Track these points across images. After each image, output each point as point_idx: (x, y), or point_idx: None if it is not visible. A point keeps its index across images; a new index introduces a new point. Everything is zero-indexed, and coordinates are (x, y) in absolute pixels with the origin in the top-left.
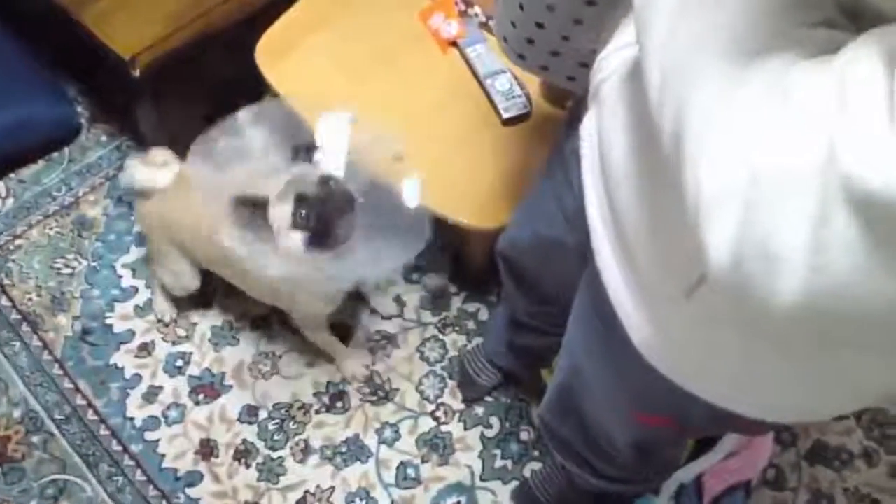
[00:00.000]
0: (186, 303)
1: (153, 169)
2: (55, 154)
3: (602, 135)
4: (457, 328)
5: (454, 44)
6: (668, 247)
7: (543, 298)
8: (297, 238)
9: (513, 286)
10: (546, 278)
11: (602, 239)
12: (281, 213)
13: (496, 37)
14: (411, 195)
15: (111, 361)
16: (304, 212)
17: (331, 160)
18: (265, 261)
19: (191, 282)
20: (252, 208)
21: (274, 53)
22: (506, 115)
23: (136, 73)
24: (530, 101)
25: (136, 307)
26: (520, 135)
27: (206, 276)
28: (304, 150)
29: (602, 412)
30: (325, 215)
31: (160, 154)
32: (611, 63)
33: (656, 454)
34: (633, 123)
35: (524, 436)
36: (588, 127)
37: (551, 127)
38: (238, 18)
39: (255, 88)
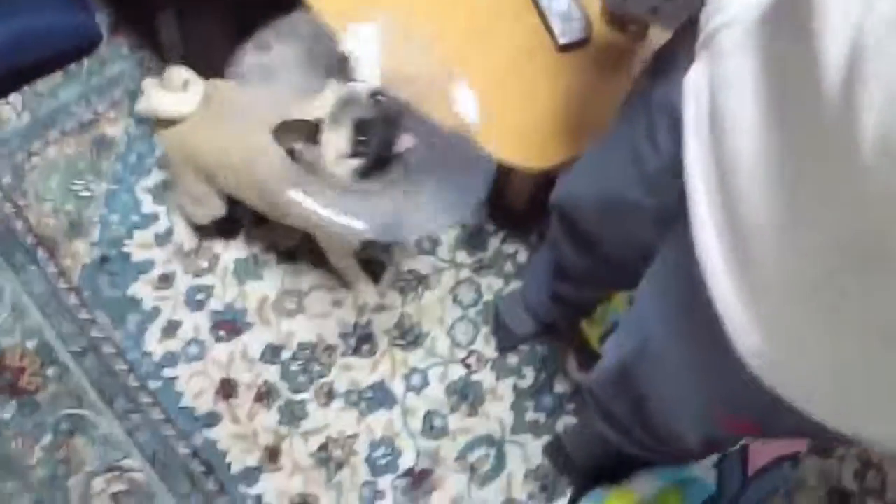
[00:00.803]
0: (209, 232)
1: (173, 92)
2: (73, 67)
3: (719, 91)
4: (493, 270)
5: None
6: (809, 215)
7: (602, 257)
8: (351, 165)
9: (568, 241)
10: (610, 239)
11: (704, 213)
12: (337, 139)
13: None
14: (468, 111)
15: (129, 292)
16: (363, 138)
17: (366, 74)
18: (315, 197)
19: (217, 209)
20: (300, 134)
21: None
22: (562, 41)
23: None
24: (590, 25)
25: (157, 235)
26: (577, 64)
27: (231, 203)
28: (339, 66)
29: (674, 403)
30: (387, 138)
31: (180, 73)
32: (730, 8)
33: (723, 447)
34: (771, 79)
35: (559, 388)
36: (695, 80)
37: (613, 56)
38: None
39: (286, 2)
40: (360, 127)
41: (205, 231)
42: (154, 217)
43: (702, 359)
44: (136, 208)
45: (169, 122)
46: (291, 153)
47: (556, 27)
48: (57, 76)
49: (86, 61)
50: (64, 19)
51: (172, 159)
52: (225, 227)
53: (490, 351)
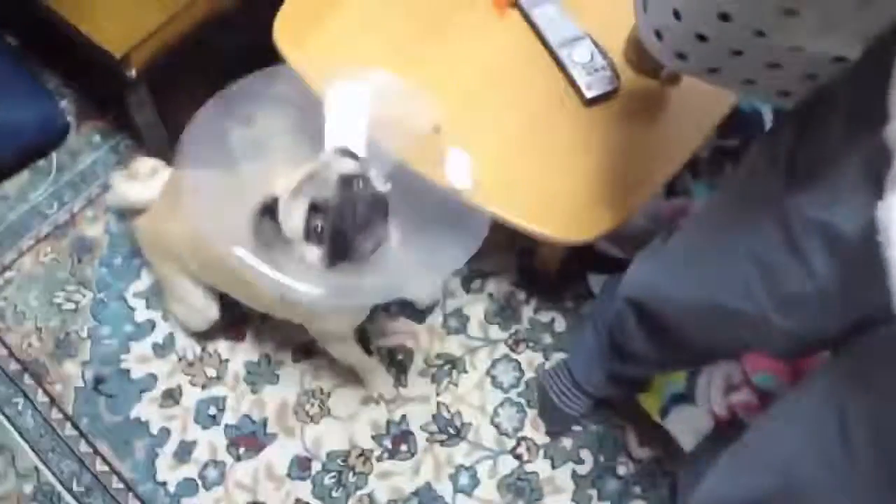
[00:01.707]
0: (214, 335)
1: (141, 181)
2: (41, 162)
3: None
4: (531, 343)
5: (515, 4)
6: None
7: (684, 348)
8: (314, 252)
9: (642, 333)
10: (704, 341)
11: None
12: (292, 222)
13: (640, 33)
14: (459, 175)
15: (133, 415)
16: (318, 224)
17: (346, 139)
18: (288, 283)
19: (208, 310)
20: (266, 215)
21: (295, 29)
22: (589, 94)
23: (133, 73)
24: (617, 73)
25: (155, 345)
26: (607, 118)
27: (234, 302)
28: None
29: None
30: (342, 228)
31: (145, 163)
32: None
33: None
34: None
35: (622, 470)
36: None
37: (645, 106)
38: None
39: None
40: (315, 210)
41: (209, 335)
42: (150, 325)
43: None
44: (129, 317)
45: (140, 211)
46: (258, 232)
47: (581, 80)
48: (23, 175)
49: (54, 155)
50: (24, 112)
51: (150, 255)
52: (229, 330)
53: (541, 436)
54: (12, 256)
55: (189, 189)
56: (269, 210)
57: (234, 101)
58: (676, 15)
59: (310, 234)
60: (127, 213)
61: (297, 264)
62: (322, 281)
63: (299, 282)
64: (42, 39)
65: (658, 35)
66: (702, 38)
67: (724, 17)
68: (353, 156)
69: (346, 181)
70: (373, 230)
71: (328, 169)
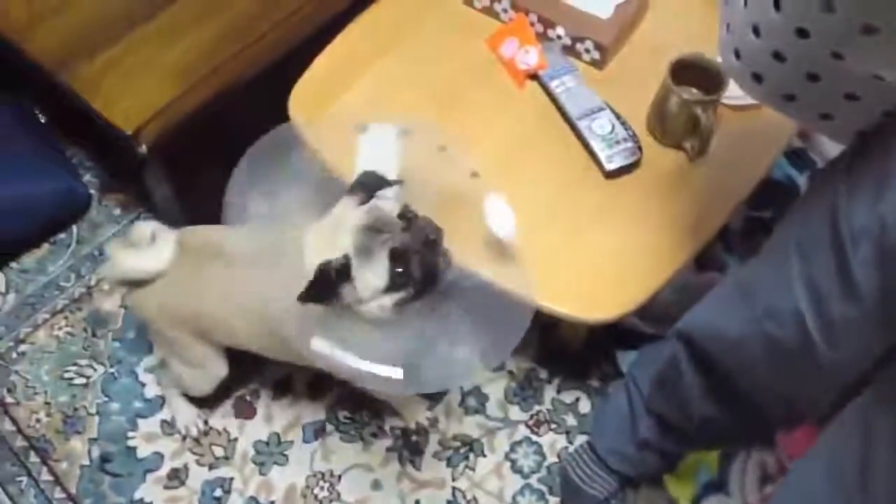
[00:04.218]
0: (222, 412)
1: (141, 250)
2: (61, 235)
3: None
4: (553, 425)
5: (534, 76)
6: None
7: (734, 398)
8: (391, 300)
9: (694, 373)
10: (753, 387)
11: None
12: (372, 275)
13: (720, 51)
14: (501, 222)
15: (137, 496)
16: (401, 269)
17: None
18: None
19: (220, 368)
20: (332, 277)
21: (311, 104)
22: (609, 167)
23: (143, 148)
24: (639, 144)
25: (163, 423)
26: (629, 191)
27: (240, 370)
28: (358, 185)
29: None
30: (429, 262)
31: (144, 228)
32: None
33: None
34: None
35: None
36: None
37: (670, 178)
38: (258, 68)
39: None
40: (397, 256)
41: (216, 410)
42: (160, 401)
43: None
44: (139, 393)
45: (142, 284)
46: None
47: (601, 152)
48: (44, 247)
49: (75, 228)
50: (49, 185)
51: (156, 325)
52: (240, 405)
53: None
54: (27, 329)
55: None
56: (340, 275)
57: (256, 173)
58: (755, 31)
59: (395, 282)
60: (126, 285)
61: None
62: (391, 358)
63: (378, 364)
64: (68, 115)
65: (737, 55)
66: (779, 56)
67: (802, 32)
68: (384, 183)
69: (406, 218)
70: (446, 254)
71: (382, 213)
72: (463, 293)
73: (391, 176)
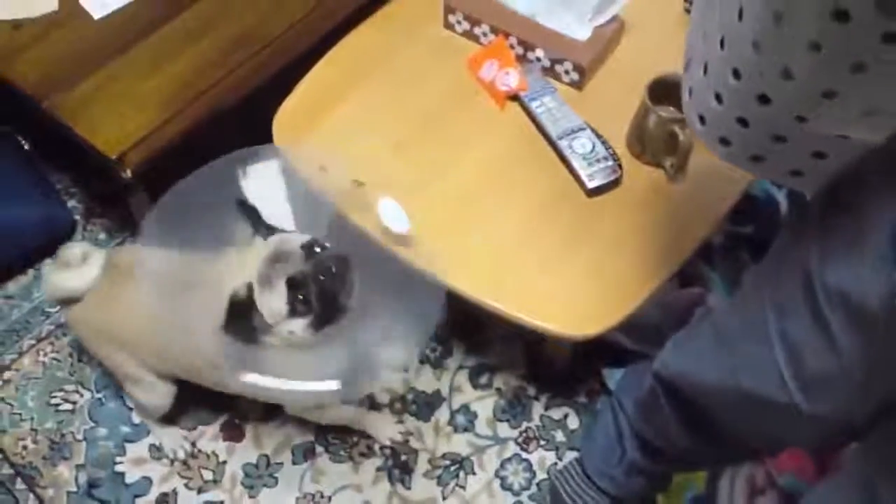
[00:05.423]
0: (211, 435)
1: (73, 269)
2: (46, 260)
3: None
4: (542, 442)
5: (514, 97)
6: None
7: (717, 440)
8: (296, 326)
9: (676, 418)
10: (735, 429)
11: None
12: (274, 304)
13: (685, 114)
14: (394, 219)
15: None
16: (301, 297)
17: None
18: (306, 388)
19: (165, 396)
20: (246, 309)
21: (295, 128)
22: (591, 185)
23: (128, 173)
24: (619, 162)
25: (152, 447)
26: (610, 208)
27: (229, 400)
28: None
29: None
30: (329, 290)
31: (75, 249)
32: None
33: None
34: None
35: None
36: None
37: (649, 196)
38: (242, 94)
39: None
40: (294, 284)
41: (206, 433)
42: (147, 426)
43: None
44: (126, 418)
45: (74, 302)
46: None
47: (582, 170)
48: (28, 274)
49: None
50: (33, 212)
51: (94, 346)
52: (228, 429)
53: None
54: (12, 356)
55: (148, 276)
56: (247, 304)
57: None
58: (718, 98)
59: (295, 310)
60: (66, 304)
61: (275, 351)
62: (326, 371)
63: (311, 381)
64: (52, 141)
65: (702, 120)
66: (743, 122)
67: (763, 98)
68: (257, 215)
69: (309, 249)
70: (349, 285)
71: (286, 244)
72: (383, 285)
73: (280, 205)
